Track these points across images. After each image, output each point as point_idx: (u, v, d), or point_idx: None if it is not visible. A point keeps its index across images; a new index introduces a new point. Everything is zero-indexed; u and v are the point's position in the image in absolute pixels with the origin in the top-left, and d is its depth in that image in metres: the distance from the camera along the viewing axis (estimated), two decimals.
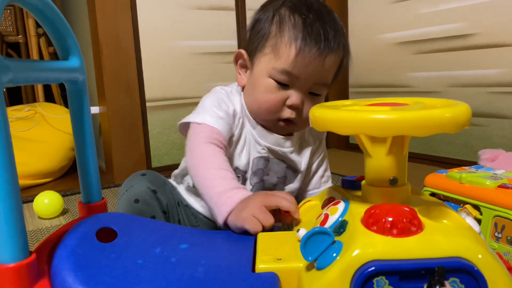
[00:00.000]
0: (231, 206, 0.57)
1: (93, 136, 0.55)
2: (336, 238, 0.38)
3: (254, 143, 0.74)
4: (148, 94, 1.70)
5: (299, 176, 0.79)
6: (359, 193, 0.45)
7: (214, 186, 0.61)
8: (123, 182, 1.70)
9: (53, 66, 0.48)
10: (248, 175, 0.75)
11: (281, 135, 0.74)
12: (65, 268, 0.40)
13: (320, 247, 0.37)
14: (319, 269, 0.37)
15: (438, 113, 0.35)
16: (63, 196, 1.25)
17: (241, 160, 0.74)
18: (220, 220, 0.57)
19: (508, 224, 0.64)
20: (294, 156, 0.77)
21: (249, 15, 1.83)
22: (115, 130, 1.64)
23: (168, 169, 1.70)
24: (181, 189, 0.82)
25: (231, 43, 1.82)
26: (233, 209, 0.56)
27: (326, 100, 0.75)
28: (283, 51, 0.67)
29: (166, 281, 0.41)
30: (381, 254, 0.35)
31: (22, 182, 1.54)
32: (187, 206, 0.80)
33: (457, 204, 0.73)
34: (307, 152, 0.78)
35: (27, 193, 1.48)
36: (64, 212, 1.24)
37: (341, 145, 2.08)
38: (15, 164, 0.38)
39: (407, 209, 0.37)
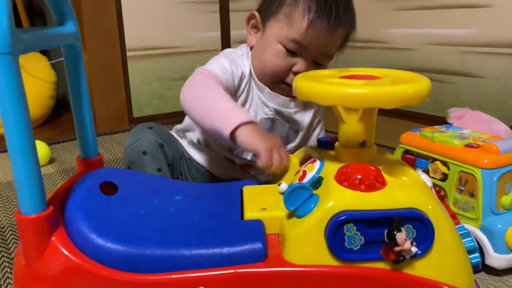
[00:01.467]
0: (248, 119, 0.58)
1: (89, 96, 0.58)
2: (314, 192, 0.44)
3: (262, 105, 0.79)
4: (129, 43, 1.69)
5: (300, 135, 0.84)
6: (333, 152, 0.51)
7: (224, 102, 0.62)
8: (105, 131, 1.72)
9: (54, 32, 0.51)
10: None
11: (286, 97, 0.79)
12: (79, 218, 0.46)
13: (300, 199, 0.44)
14: (299, 217, 0.44)
15: (404, 89, 0.41)
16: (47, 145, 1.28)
17: None
18: (229, 127, 0.57)
19: (471, 179, 0.72)
20: (298, 116, 0.82)
21: None
22: (96, 79, 1.64)
23: (149, 119, 1.74)
24: (184, 143, 0.86)
25: None
26: (250, 124, 0.57)
27: None
28: (296, 21, 0.71)
29: (167, 228, 0.47)
30: (351, 206, 0.42)
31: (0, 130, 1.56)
32: (189, 159, 0.85)
33: (428, 160, 0.80)
34: (310, 113, 0.83)
35: None
36: (51, 161, 1.27)
37: None
38: (31, 125, 0.42)
39: (373, 168, 0.44)
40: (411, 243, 0.41)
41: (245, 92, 0.77)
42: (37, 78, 1.74)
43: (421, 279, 0.43)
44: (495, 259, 0.68)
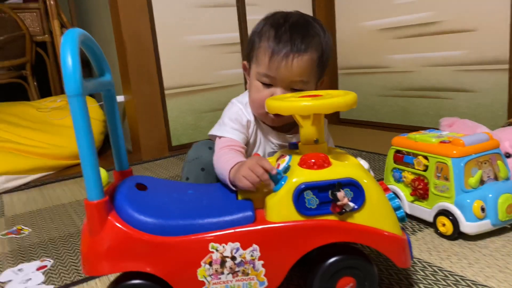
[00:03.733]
0: (230, 167, 0.72)
1: (120, 124, 0.75)
2: (284, 174, 0.64)
3: (268, 142, 0.94)
4: (166, 83, 1.91)
5: None
6: (298, 150, 0.70)
7: (224, 162, 0.75)
8: (149, 159, 1.93)
9: (99, 81, 0.69)
10: None
11: (286, 133, 0.92)
12: (125, 204, 0.63)
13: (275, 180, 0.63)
14: (275, 191, 0.63)
15: (335, 101, 0.61)
16: None
17: None
18: (226, 179, 0.71)
19: (445, 167, 0.89)
20: None
21: (249, 10, 2.02)
22: (140, 116, 1.86)
23: (185, 147, 1.96)
24: None
25: (234, 35, 2.02)
26: (233, 168, 0.70)
27: None
28: (261, 59, 0.84)
29: (185, 208, 0.66)
30: (308, 179, 0.61)
31: (64, 162, 1.80)
32: None
33: (414, 156, 0.97)
34: None
35: (70, 171, 1.76)
36: (109, 183, 1.51)
37: (334, 120, 2.29)
38: (94, 141, 0.62)
39: (323, 155, 0.63)
40: (348, 199, 0.59)
41: (253, 134, 0.91)
42: (91, 117, 2.00)
43: (359, 225, 0.61)
44: (467, 226, 0.86)
